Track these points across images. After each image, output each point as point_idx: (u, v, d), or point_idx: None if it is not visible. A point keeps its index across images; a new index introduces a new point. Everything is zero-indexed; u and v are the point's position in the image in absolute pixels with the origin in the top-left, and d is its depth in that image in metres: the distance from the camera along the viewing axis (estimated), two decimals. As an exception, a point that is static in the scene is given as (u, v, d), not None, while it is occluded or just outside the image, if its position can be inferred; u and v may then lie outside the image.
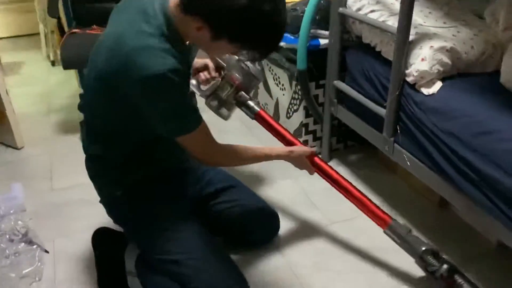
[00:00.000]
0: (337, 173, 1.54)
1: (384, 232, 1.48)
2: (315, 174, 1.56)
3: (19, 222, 1.70)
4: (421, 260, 1.42)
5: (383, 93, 1.63)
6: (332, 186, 1.54)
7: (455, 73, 1.54)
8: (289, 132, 1.60)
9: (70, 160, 2.14)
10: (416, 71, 1.47)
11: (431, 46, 1.48)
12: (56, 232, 1.71)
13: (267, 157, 1.46)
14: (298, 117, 2.15)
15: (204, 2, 1.08)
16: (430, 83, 1.48)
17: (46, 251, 1.62)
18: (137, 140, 1.31)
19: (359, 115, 1.83)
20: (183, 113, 1.19)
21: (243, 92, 1.53)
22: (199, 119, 1.23)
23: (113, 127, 1.28)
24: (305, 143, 2.18)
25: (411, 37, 1.48)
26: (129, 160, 1.33)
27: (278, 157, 1.48)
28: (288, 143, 1.56)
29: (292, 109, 2.19)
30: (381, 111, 1.63)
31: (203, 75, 1.58)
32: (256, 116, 1.55)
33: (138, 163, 1.34)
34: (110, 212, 1.44)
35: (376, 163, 2.12)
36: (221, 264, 1.33)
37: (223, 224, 1.53)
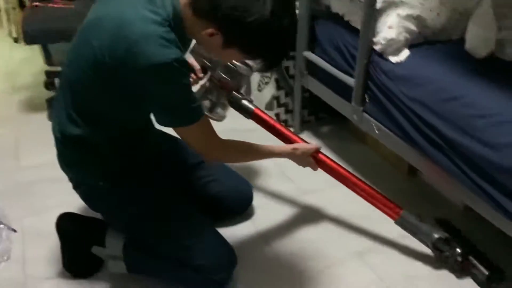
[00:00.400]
0: (343, 168, 1.51)
1: (395, 223, 1.47)
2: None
3: (-15, 202, 1.66)
4: (434, 248, 1.42)
5: (352, 63, 1.64)
6: (339, 181, 1.50)
7: (422, 41, 1.55)
8: (289, 130, 1.56)
9: (36, 138, 2.08)
10: (384, 39, 1.47)
11: (398, 14, 1.48)
12: (24, 211, 1.67)
13: (270, 154, 1.44)
14: (269, 90, 2.14)
15: (223, 11, 1.03)
16: (397, 51, 1.49)
17: (14, 230, 1.58)
18: (130, 124, 1.27)
19: (329, 86, 1.83)
20: (186, 104, 1.15)
21: (234, 92, 1.47)
22: (201, 111, 1.19)
23: (106, 111, 1.21)
24: (277, 116, 2.18)
25: (378, 5, 1.48)
26: (115, 145, 1.27)
27: (281, 154, 1.46)
28: (288, 141, 1.51)
29: (263, 82, 2.17)
30: (350, 80, 1.63)
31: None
32: (252, 116, 1.50)
33: (123, 148, 1.29)
34: (88, 201, 1.40)
35: (347, 134, 2.14)
36: (216, 239, 1.37)
37: (197, 198, 1.53)
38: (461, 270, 1.41)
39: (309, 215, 1.68)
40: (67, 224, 1.46)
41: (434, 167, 1.40)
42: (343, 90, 1.73)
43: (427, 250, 1.51)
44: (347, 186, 1.50)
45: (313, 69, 1.91)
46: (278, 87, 2.11)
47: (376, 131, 1.59)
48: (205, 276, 1.33)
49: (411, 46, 1.52)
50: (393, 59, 1.48)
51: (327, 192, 1.76)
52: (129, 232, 1.40)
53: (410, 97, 1.40)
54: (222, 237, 1.40)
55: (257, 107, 1.50)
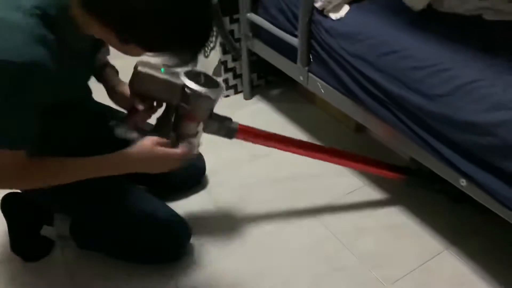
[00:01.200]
0: (331, 150, 1.46)
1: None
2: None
3: None
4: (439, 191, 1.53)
5: (295, 23, 1.61)
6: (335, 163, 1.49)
7: (362, -3, 1.54)
8: (290, 138, 1.39)
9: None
10: (323, -4, 1.46)
11: (337, -31, 1.46)
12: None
13: (96, 170, 1.07)
14: (216, 55, 2.09)
15: (104, 4, 0.81)
16: (337, 8, 1.47)
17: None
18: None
19: (275, 48, 1.81)
20: (13, 122, 0.89)
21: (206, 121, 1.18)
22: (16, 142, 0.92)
23: None
24: (225, 81, 2.14)
25: (316, -39, 1.45)
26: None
27: (118, 167, 1.09)
28: (290, 147, 1.38)
29: (209, 47, 2.12)
30: (294, 41, 1.62)
31: (138, 122, 1.16)
32: (238, 134, 1.27)
33: (47, 141, 1.13)
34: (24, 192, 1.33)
35: (296, 95, 2.15)
36: (165, 215, 1.33)
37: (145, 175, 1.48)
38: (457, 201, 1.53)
39: (262, 178, 1.69)
40: (12, 205, 1.40)
41: (378, 122, 1.42)
42: (288, 51, 1.71)
43: (373, 204, 1.57)
44: (345, 166, 1.53)
45: (258, 31, 1.88)
46: (225, 51, 2.07)
47: (322, 91, 1.59)
48: (156, 253, 1.32)
49: (351, 2, 1.51)
50: (334, 16, 1.47)
51: (279, 154, 1.76)
52: (73, 217, 1.36)
53: (351, 53, 1.40)
54: (172, 212, 1.37)
55: (240, 124, 1.27)
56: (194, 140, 1.16)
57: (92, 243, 1.37)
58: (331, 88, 1.55)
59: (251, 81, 2.13)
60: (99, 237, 1.33)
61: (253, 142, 1.34)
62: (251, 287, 1.30)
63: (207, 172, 1.67)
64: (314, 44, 1.55)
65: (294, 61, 1.67)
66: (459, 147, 1.18)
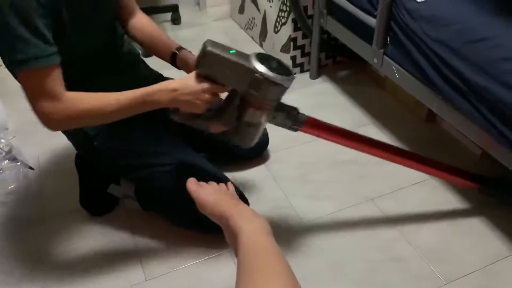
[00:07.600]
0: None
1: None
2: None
3: (2, 140, 1.68)
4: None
5: (374, 1, 1.55)
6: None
7: (451, -22, 1.45)
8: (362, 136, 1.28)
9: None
10: (410, -24, 1.38)
11: None
12: (39, 149, 1.69)
13: (120, 104, 1.06)
14: (286, 31, 2.06)
15: None
16: (423, -11, 1.40)
17: (31, 168, 1.61)
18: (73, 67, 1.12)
19: (349, 27, 1.75)
20: (15, 39, 0.97)
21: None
22: (25, 59, 0.99)
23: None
24: (293, 59, 2.11)
25: None
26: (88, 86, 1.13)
27: (154, 102, 1.07)
28: (364, 146, 1.29)
29: (280, 23, 2.09)
30: (371, 21, 1.56)
31: None
32: (304, 127, 1.16)
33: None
34: (91, 161, 1.40)
35: (365, 78, 2.08)
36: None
37: (206, 143, 1.47)
38: None
39: (323, 158, 1.67)
40: (84, 161, 1.47)
41: (455, 113, 1.35)
42: (364, 32, 1.65)
43: (437, 199, 1.50)
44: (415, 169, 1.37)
45: (333, 9, 1.82)
46: (296, 28, 2.03)
47: (397, 75, 1.53)
48: (212, 222, 1.33)
49: (438, -17, 1.43)
50: (419, -3, 1.39)
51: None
52: (137, 183, 1.41)
53: (434, 39, 1.33)
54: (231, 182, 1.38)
55: (307, 116, 1.17)
56: (256, 130, 1.11)
57: (154, 206, 1.42)
58: (407, 73, 1.48)
59: (319, 60, 2.09)
60: (161, 201, 1.38)
61: (319, 136, 1.23)
62: (301, 265, 1.29)
63: (269, 147, 1.67)
64: (393, 26, 1.49)
65: (370, 42, 1.61)
66: (544, 148, 1.11)
